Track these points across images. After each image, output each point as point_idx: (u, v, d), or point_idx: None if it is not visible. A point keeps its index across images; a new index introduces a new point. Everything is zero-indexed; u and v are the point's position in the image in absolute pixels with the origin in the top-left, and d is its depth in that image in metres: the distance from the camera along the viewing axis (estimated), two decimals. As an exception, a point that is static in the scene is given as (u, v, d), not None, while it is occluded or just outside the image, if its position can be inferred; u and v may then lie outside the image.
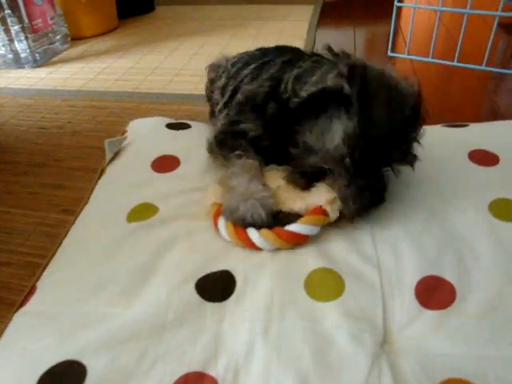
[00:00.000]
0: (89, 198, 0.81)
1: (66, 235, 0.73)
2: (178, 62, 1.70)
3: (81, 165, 1.05)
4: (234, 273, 0.61)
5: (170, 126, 0.95)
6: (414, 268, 0.60)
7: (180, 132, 0.92)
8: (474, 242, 0.63)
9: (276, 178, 0.71)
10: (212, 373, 0.50)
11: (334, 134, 0.62)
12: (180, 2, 2.59)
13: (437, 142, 0.83)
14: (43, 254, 0.73)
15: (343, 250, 0.63)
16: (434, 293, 0.57)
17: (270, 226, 0.64)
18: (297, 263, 0.61)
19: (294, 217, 0.65)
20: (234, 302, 0.58)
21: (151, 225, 0.70)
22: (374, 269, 0.60)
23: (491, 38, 1.33)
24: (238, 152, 0.70)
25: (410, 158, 0.65)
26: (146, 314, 0.56)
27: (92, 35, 2.05)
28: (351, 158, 0.61)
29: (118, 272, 0.63)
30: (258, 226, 0.64)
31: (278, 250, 0.64)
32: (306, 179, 0.67)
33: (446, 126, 0.89)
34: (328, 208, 0.64)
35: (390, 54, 1.58)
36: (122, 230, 0.70)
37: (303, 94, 0.64)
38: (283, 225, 0.64)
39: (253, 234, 0.64)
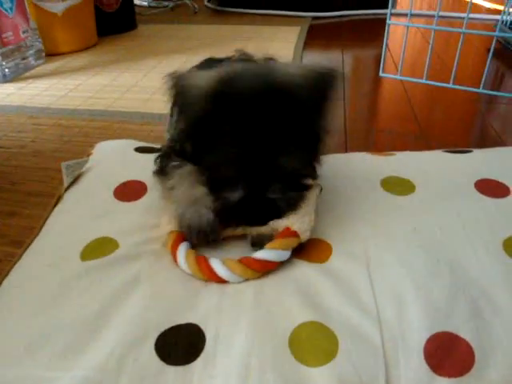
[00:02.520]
0: (40, 230, 0.70)
1: (6, 275, 0.61)
2: (157, 81, 1.60)
3: (40, 189, 0.94)
4: (203, 326, 0.50)
5: (139, 150, 0.85)
6: (421, 322, 0.49)
7: (150, 156, 0.81)
8: (490, 289, 0.53)
9: None
10: None
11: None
12: (163, 21, 2.52)
13: (439, 169, 0.74)
14: (-23, 297, 0.60)
15: (336, 300, 0.52)
16: (448, 354, 0.47)
17: (215, 232, 0.59)
18: (280, 315, 0.51)
19: (266, 237, 0.59)
20: (202, 365, 0.46)
21: (108, 264, 0.59)
22: (373, 323, 0.50)
23: (489, 59, 1.28)
24: (174, 163, 0.63)
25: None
26: (88, 381, 0.45)
27: (69, 51, 1.96)
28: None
29: (63, 325, 0.51)
30: (205, 232, 0.59)
31: (257, 292, 0.53)
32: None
33: (447, 151, 0.80)
34: (297, 228, 0.58)
35: (381, 74, 1.52)
36: (73, 269, 0.59)
37: None
38: (257, 247, 0.58)
39: (217, 265, 0.55)
